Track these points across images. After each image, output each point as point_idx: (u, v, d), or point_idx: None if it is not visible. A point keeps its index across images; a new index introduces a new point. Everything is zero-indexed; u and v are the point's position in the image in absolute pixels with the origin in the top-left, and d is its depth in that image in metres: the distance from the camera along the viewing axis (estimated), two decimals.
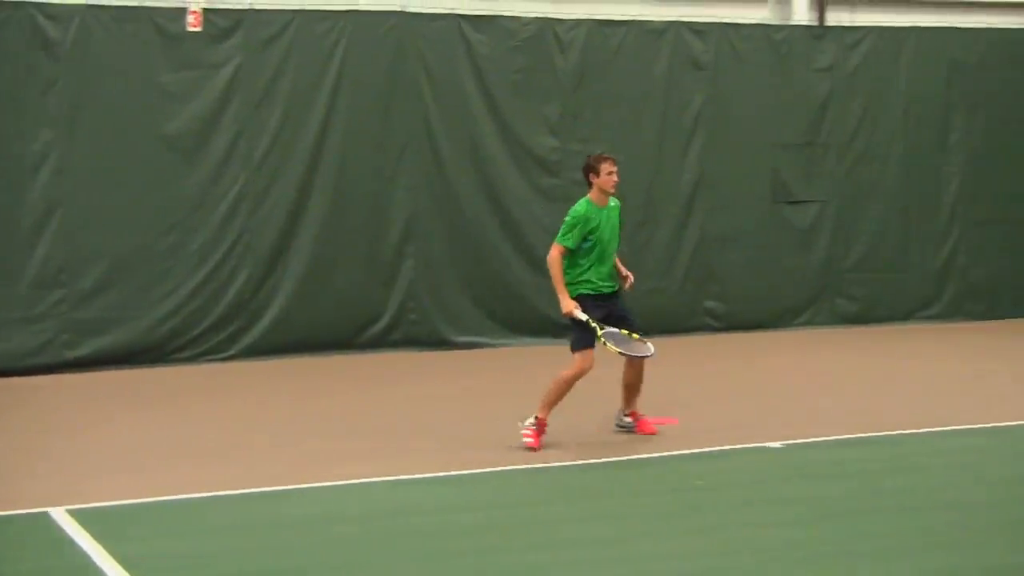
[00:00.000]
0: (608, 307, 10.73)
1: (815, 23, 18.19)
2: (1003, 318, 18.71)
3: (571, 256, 10.67)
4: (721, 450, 10.35)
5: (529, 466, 9.88)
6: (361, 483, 9.35)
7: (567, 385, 10.66)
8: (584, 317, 10.46)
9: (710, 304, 17.66)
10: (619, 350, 10.45)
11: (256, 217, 15.69)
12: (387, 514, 8.50)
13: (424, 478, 9.46)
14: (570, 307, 10.52)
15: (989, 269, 18.80)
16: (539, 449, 10.44)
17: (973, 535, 8.02)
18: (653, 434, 10.98)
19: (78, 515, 8.29)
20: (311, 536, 7.97)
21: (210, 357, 15.46)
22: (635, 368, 10.90)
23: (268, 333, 15.74)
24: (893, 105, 18.53)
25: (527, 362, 15.18)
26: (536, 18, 16.71)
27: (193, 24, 15.33)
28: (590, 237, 10.63)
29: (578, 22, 16.90)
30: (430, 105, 16.30)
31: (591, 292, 10.68)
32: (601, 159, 10.70)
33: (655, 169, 17.24)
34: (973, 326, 18.37)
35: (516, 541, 7.91)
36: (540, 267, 13.92)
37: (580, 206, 10.72)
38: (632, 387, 11.08)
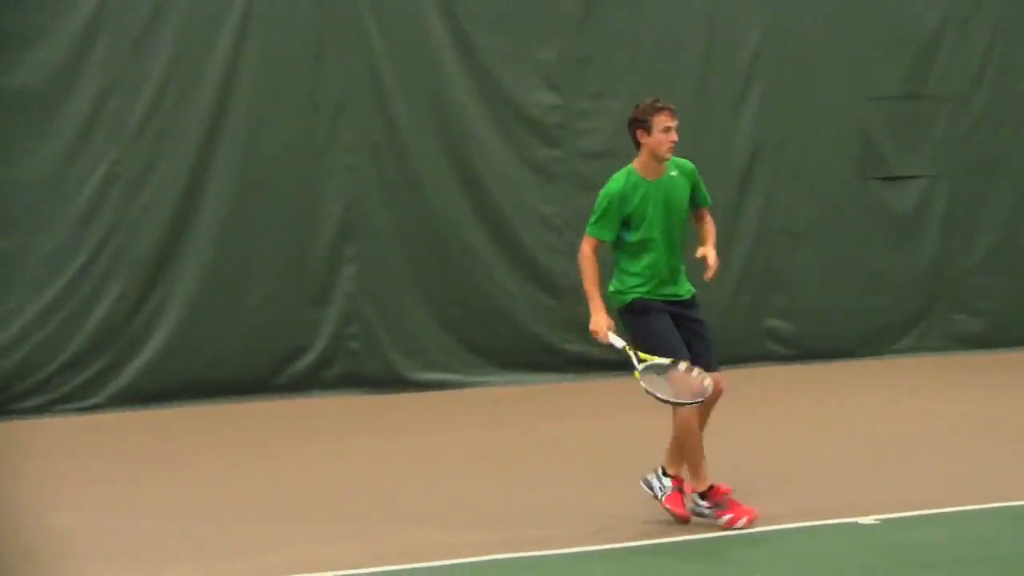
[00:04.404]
0: (675, 312, 9.76)
1: None
2: None
3: (617, 250, 9.80)
4: (790, 529, 9.59)
5: (524, 554, 8.83)
6: None
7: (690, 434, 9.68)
8: (619, 344, 9.57)
9: (774, 323, 15.77)
10: (656, 394, 9.39)
11: (132, 209, 13.84)
12: None
13: (364, 573, 8.56)
14: (601, 325, 9.61)
15: None
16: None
17: None
18: (749, 517, 9.54)
19: None
20: None
21: (64, 407, 13.88)
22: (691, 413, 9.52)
23: (148, 373, 13.93)
24: None
25: (515, 405, 13.99)
26: None
27: None
28: (631, 221, 9.75)
29: None
30: (377, 47, 14.43)
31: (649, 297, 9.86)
32: (653, 108, 9.66)
33: (695, 135, 14.85)
34: None
35: None
36: (533, 273, 14.09)
37: (615, 180, 9.84)
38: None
